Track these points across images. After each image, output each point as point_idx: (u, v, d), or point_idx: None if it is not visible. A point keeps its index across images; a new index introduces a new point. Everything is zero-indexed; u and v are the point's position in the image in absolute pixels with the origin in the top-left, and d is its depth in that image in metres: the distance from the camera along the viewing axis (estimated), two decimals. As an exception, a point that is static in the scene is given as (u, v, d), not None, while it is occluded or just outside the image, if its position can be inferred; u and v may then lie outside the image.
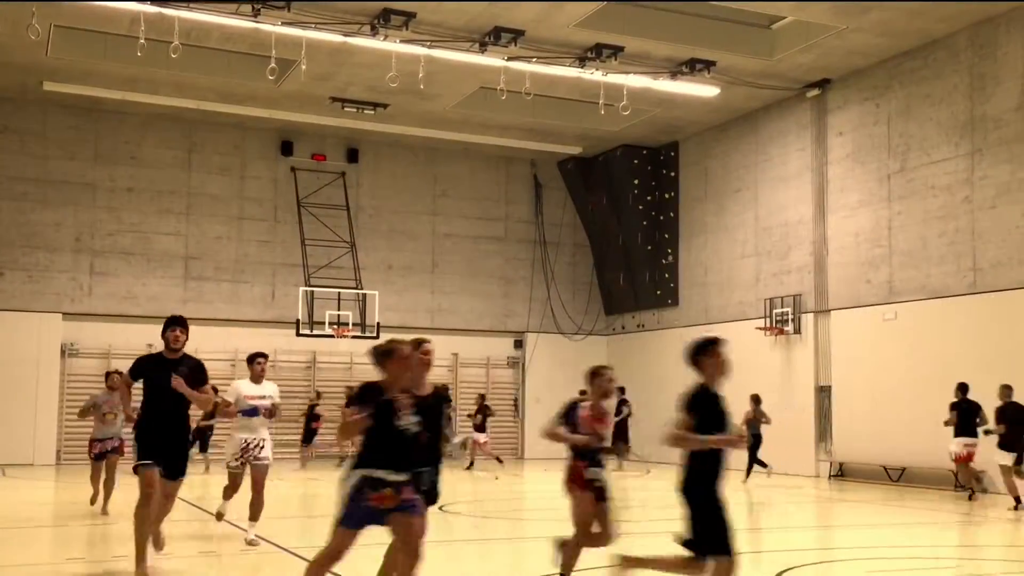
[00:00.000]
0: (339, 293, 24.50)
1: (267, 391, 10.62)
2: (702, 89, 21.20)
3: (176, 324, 8.48)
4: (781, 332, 22.19)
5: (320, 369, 25.76)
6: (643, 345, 27.08)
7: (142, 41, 16.88)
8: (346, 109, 23.25)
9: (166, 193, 24.67)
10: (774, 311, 22.41)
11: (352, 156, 26.36)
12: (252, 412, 10.39)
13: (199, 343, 24.38)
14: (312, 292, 24.27)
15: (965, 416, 15.81)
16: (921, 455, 18.53)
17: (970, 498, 16.00)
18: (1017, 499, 14.69)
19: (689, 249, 25.65)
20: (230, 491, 10.85)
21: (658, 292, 26.41)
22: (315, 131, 25.43)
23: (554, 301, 28.03)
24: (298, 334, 23.78)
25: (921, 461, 18.60)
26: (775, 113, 22.91)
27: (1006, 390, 15.28)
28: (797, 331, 21.90)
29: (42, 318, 23.17)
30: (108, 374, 13.63)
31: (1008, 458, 14.86)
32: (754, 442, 19.16)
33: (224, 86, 22.07)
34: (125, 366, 26.13)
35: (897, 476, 19.40)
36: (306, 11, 17.52)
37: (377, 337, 24.30)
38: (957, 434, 15.89)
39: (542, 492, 19.08)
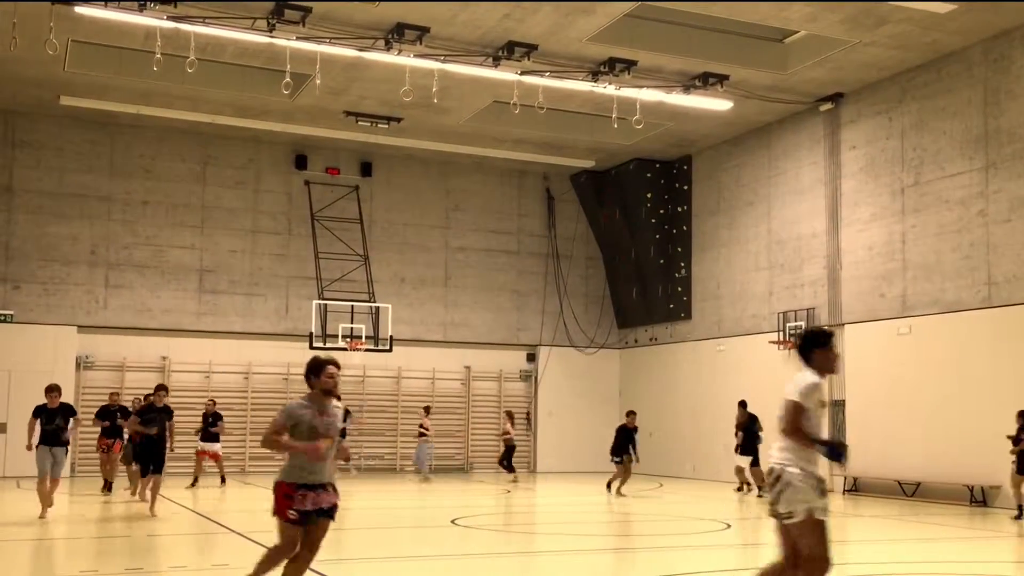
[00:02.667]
0: (352, 306, 24.55)
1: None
2: (715, 103, 21.21)
3: None
4: (794, 346, 22.09)
5: (333, 382, 25.76)
6: (656, 359, 27.03)
7: (158, 56, 17.00)
8: (360, 123, 23.35)
9: (181, 206, 24.81)
10: (787, 325, 22.36)
11: (366, 170, 26.46)
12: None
13: (213, 356, 24.79)
14: (325, 305, 24.33)
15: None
16: (936, 470, 18.43)
17: (753, 492, 19.85)
18: (759, 487, 19.29)
19: (702, 262, 25.62)
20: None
21: (671, 305, 26.38)
22: (329, 145, 25.55)
23: (567, 315, 28.03)
24: (311, 347, 23.80)
25: (936, 476, 18.50)
26: (788, 127, 22.91)
27: (741, 406, 20.29)
28: (811, 345, 21.81)
29: (58, 331, 23.30)
30: (321, 365, 7.15)
31: (746, 460, 20.00)
32: (508, 451, 23.94)
33: (239, 100, 22.21)
34: (138, 378, 26.04)
35: (912, 491, 19.29)
36: (321, 26, 17.63)
37: (390, 350, 24.37)
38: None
39: (555, 505, 19.04)
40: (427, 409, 24.47)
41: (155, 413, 15.39)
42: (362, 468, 25.34)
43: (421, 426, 24.15)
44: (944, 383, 18.53)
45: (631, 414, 20.99)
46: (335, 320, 24.22)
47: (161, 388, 15.94)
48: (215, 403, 21.29)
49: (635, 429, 20.55)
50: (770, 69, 20.02)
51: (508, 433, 24.27)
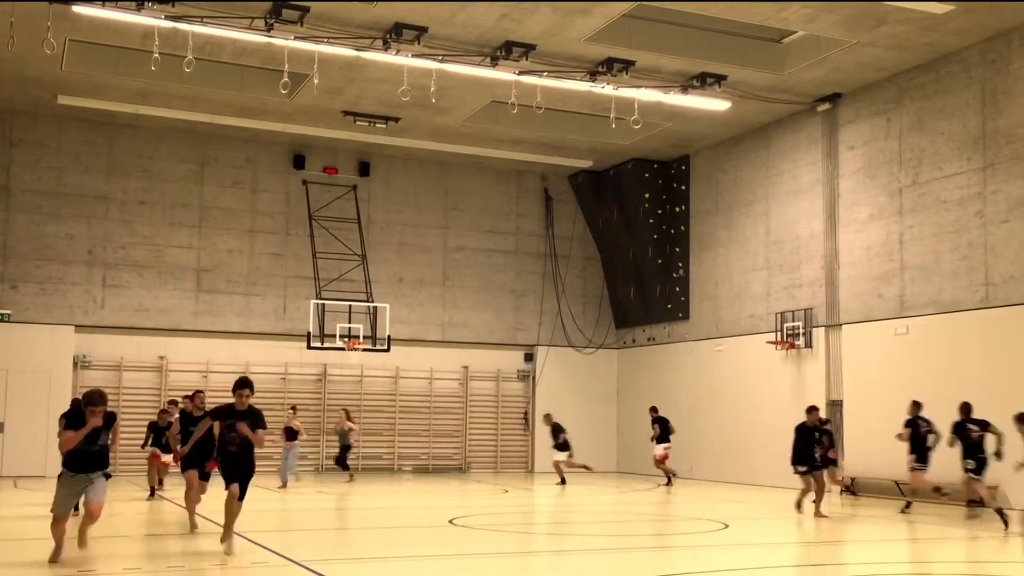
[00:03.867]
0: (350, 306, 24.57)
1: None
2: (713, 103, 21.22)
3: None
4: (792, 346, 22.14)
5: (331, 382, 25.80)
6: (654, 359, 27.04)
7: (156, 55, 16.99)
8: (358, 123, 23.34)
9: (179, 206, 24.80)
10: (785, 325, 22.37)
11: (364, 169, 26.45)
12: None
13: (211, 356, 24.77)
14: (323, 305, 24.34)
15: (662, 427, 22.47)
16: (933, 470, 18.41)
17: (668, 483, 22.14)
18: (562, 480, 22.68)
19: (700, 262, 25.63)
20: None
21: (669, 306, 26.38)
22: (327, 145, 25.55)
23: (564, 315, 28.03)
24: (309, 347, 23.84)
25: (933, 476, 18.48)
26: (786, 127, 22.92)
27: (548, 416, 23.62)
28: (808, 345, 21.84)
29: (55, 330, 23.28)
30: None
31: (563, 455, 23.15)
32: (345, 449, 22.69)
33: (237, 100, 22.20)
34: (136, 378, 26.03)
35: (910, 491, 19.26)
36: (319, 26, 17.62)
37: (388, 350, 24.38)
38: (659, 441, 22.42)
39: (553, 505, 19.05)
40: (294, 408, 21.98)
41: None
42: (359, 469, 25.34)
43: (291, 428, 20.77)
44: (942, 383, 18.52)
45: (813, 410, 16.26)
46: (333, 320, 24.24)
47: (248, 393, 11.62)
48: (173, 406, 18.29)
49: (816, 428, 16.08)
50: (768, 69, 20.03)
51: (352, 430, 22.45)
